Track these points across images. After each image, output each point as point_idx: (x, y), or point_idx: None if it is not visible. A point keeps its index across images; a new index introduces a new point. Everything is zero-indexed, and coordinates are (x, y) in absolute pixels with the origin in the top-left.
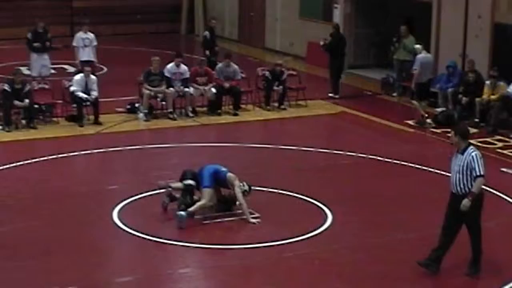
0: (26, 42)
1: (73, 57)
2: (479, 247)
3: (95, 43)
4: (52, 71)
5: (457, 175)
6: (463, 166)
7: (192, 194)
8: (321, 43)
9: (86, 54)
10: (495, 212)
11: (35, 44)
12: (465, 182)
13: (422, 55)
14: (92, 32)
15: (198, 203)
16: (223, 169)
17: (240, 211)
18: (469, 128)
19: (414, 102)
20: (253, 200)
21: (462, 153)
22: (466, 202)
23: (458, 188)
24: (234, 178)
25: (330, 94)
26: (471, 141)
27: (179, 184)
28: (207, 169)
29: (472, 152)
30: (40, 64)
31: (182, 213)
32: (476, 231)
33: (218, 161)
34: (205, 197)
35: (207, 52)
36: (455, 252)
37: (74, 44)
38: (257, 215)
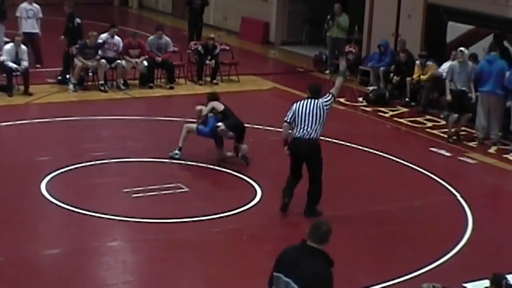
0: None
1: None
2: None
3: (40, 15)
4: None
5: None
6: None
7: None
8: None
9: (29, 26)
10: (424, 191)
11: None
12: None
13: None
14: (38, 4)
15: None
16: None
17: (169, 185)
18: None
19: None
20: (183, 174)
21: None
22: None
23: None
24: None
25: None
26: (402, 120)
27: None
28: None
29: None
30: None
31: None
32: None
33: (148, 135)
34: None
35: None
36: None
37: (17, 14)
38: (186, 189)
